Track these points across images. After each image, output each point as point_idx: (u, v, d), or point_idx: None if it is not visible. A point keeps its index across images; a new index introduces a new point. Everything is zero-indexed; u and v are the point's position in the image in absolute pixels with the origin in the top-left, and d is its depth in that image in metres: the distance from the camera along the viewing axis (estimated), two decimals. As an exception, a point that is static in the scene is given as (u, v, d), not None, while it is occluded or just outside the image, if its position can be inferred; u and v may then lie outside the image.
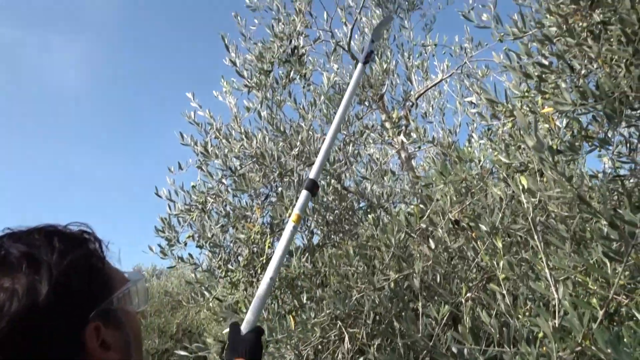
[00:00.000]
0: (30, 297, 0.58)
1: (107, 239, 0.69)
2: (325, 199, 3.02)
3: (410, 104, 3.39)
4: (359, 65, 1.80)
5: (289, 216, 2.89)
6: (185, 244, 3.08)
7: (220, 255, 3.22)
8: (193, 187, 3.07)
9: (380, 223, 3.09)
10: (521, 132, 1.51)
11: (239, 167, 2.92)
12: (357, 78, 1.72)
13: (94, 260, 0.67)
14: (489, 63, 3.44)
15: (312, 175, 1.48)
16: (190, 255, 3.19)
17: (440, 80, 3.55)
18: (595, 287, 1.70)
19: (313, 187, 1.46)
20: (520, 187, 2.00)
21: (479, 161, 2.86)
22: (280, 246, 1.32)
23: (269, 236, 2.98)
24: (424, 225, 2.47)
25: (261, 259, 3.07)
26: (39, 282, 0.59)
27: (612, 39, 2.05)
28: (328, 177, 3.08)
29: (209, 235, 2.94)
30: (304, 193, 1.46)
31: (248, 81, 2.95)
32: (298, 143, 2.80)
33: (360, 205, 3.07)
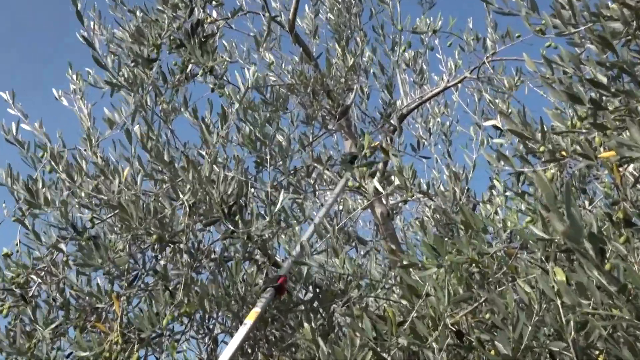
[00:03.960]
0: None
1: None
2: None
3: (392, 127, 3.41)
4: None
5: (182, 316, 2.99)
6: (-12, 356, 2.92)
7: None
8: (6, 255, 2.92)
9: (333, 329, 3.05)
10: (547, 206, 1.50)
11: (88, 224, 2.57)
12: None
13: None
14: (522, 66, 3.09)
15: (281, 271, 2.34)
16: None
17: (445, 89, 3.14)
18: None
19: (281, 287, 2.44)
20: (555, 288, 1.99)
21: (504, 231, 2.90)
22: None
23: (136, 347, 2.84)
24: (403, 341, 2.42)
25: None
26: None
27: None
28: (250, 245, 3.03)
29: (27, 344, 2.80)
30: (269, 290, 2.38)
31: (114, 74, 2.61)
32: (193, 184, 2.69)
33: (303, 296, 3.01)
